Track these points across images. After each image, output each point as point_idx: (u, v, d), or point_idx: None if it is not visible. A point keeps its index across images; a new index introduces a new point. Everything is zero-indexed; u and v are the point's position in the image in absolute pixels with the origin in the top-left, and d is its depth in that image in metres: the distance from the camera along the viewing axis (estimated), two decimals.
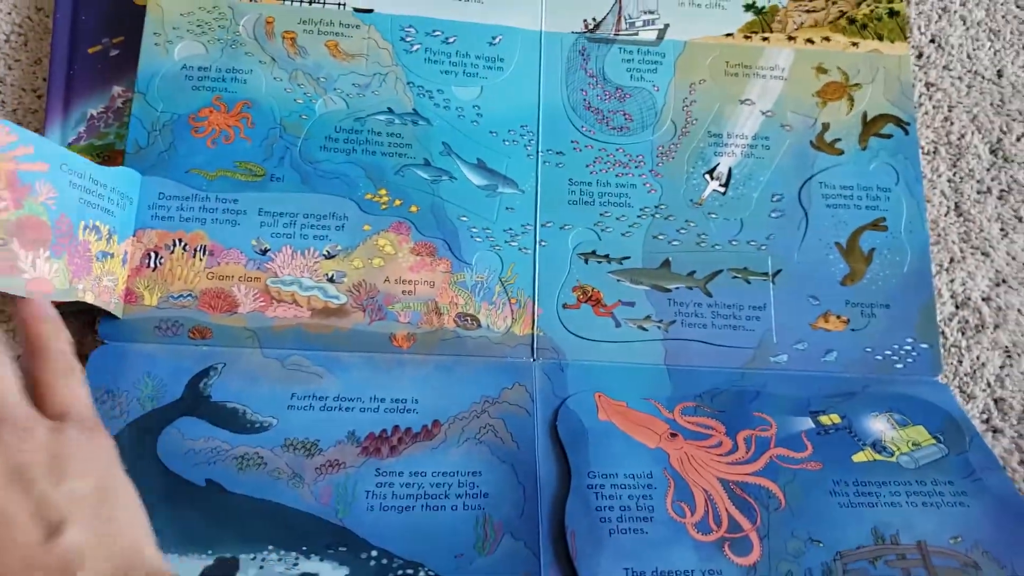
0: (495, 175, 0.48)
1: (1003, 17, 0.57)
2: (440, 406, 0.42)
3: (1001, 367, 0.49)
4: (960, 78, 0.56)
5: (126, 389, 0.40)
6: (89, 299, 0.40)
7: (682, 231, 0.48)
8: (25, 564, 0.26)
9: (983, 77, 0.56)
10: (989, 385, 0.49)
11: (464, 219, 0.47)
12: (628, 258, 0.47)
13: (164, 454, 0.39)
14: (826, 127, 0.51)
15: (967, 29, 0.57)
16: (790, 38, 0.52)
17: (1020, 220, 0.53)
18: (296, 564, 0.36)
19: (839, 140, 0.50)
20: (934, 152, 0.54)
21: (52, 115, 0.46)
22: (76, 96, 0.46)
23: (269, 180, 0.46)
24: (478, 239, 0.46)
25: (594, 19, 0.52)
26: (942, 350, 0.49)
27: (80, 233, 0.39)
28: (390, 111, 0.48)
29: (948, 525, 0.41)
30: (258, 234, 0.44)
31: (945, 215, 0.52)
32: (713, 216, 0.48)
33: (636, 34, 0.51)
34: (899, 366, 0.47)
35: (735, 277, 0.47)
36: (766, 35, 0.52)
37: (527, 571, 0.37)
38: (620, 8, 0.52)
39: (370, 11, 0.49)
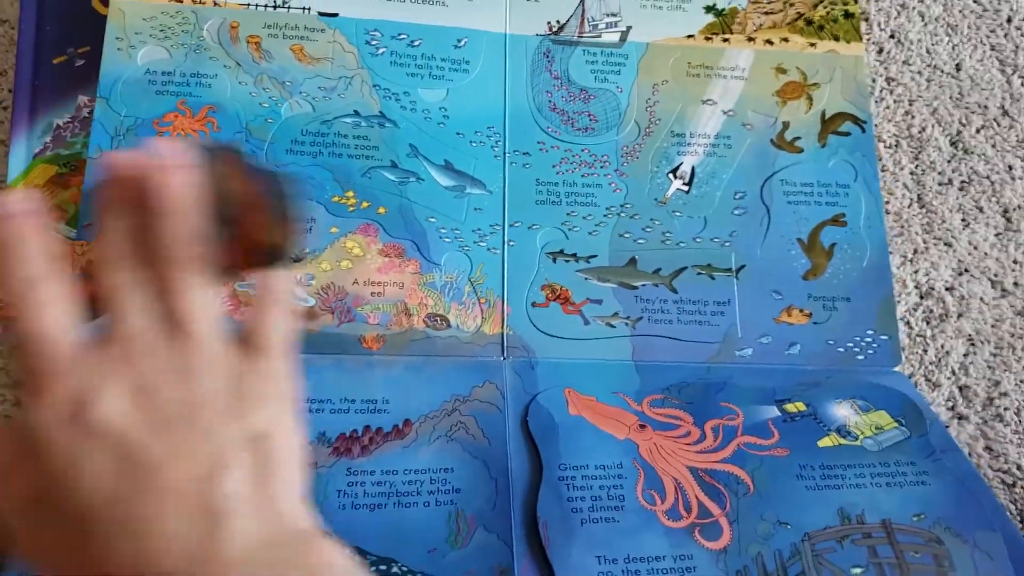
0: (463, 176, 0.49)
1: (960, 12, 0.61)
2: (411, 405, 0.44)
3: (965, 355, 0.52)
4: (920, 72, 0.59)
5: None
6: None
7: (647, 229, 0.50)
8: (182, 509, 0.23)
9: (942, 71, 0.59)
10: (954, 373, 0.51)
11: (432, 220, 0.48)
12: (595, 256, 0.49)
13: None
14: (786, 126, 0.53)
15: (925, 24, 0.60)
16: (750, 39, 0.55)
17: (981, 210, 0.56)
18: None
19: (799, 138, 0.53)
20: (896, 145, 0.56)
21: (18, 126, 0.47)
22: (42, 107, 0.47)
23: None
24: (447, 240, 0.48)
25: (558, 21, 0.54)
26: (907, 339, 0.51)
27: None
28: (356, 114, 0.49)
29: (911, 503, 0.43)
30: None
31: (908, 207, 0.55)
32: (677, 214, 0.51)
33: (599, 36, 0.54)
34: (860, 358, 0.49)
35: (700, 274, 0.50)
36: (726, 36, 0.55)
37: (500, 562, 0.39)
38: (583, 10, 0.54)
39: (335, 15, 0.51)
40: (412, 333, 0.46)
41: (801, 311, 0.50)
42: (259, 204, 0.26)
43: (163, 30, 0.49)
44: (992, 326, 0.53)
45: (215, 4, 0.50)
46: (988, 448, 0.50)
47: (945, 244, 0.54)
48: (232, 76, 0.49)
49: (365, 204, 0.48)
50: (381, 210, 0.48)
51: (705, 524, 0.41)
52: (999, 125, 0.58)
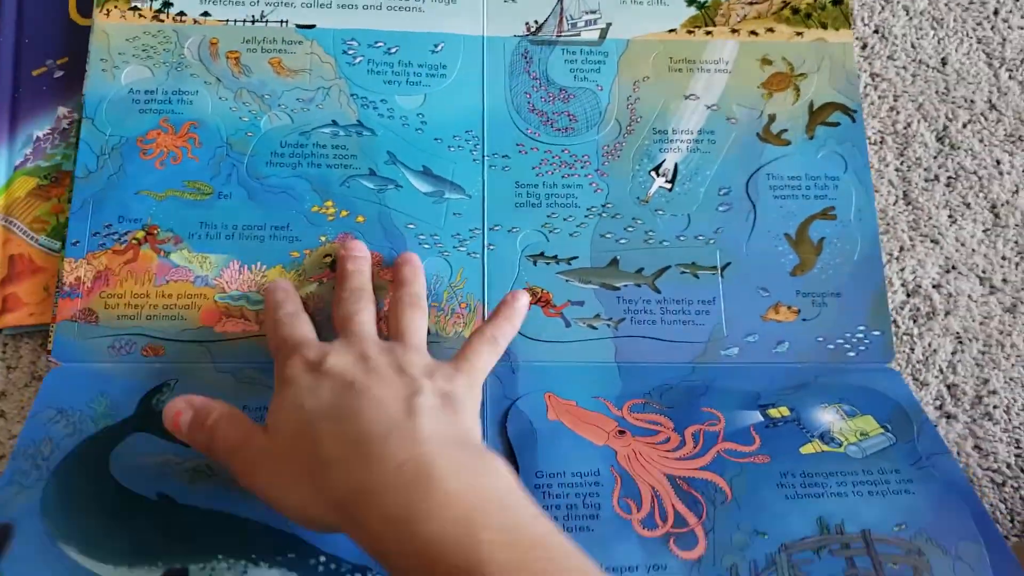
0: (441, 181, 0.51)
1: (945, 5, 0.60)
2: None
3: (953, 353, 0.52)
4: (905, 67, 0.58)
5: (80, 408, 0.44)
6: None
7: (629, 229, 0.51)
8: (385, 407, 0.35)
9: (927, 66, 0.58)
10: (941, 372, 0.51)
11: (411, 227, 0.50)
12: (576, 258, 0.50)
13: (117, 470, 0.42)
14: (772, 118, 0.53)
15: (910, 19, 0.60)
16: (733, 31, 0.55)
17: (968, 207, 0.55)
18: (245, 572, 0.39)
19: (786, 131, 0.53)
20: (881, 142, 0.56)
21: None
22: (21, 119, 0.49)
23: (217, 198, 0.49)
24: (426, 246, 0.49)
25: (536, 21, 0.55)
26: (895, 338, 0.51)
27: None
28: (335, 123, 0.51)
29: (893, 513, 0.43)
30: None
31: (894, 204, 0.55)
32: (660, 213, 0.51)
33: (578, 34, 0.54)
34: (851, 354, 0.49)
35: (683, 272, 0.50)
36: (709, 29, 0.55)
37: None
38: (562, 9, 0.55)
39: (312, 27, 0.53)
40: None
41: (789, 308, 0.50)
42: None
43: (145, 49, 0.51)
44: (980, 323, 0.52)
45: (195, 22, 0.52)
46: (977, 447, 0.49)
47: (932, 241, 0.54)
48: (213, 92, 0.51)
49: (344, 213, 0.49)
50: (360, 219, 0.49)
51: (680, 534, 0.42)
52: (986, 119, 0.57)
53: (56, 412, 0.44)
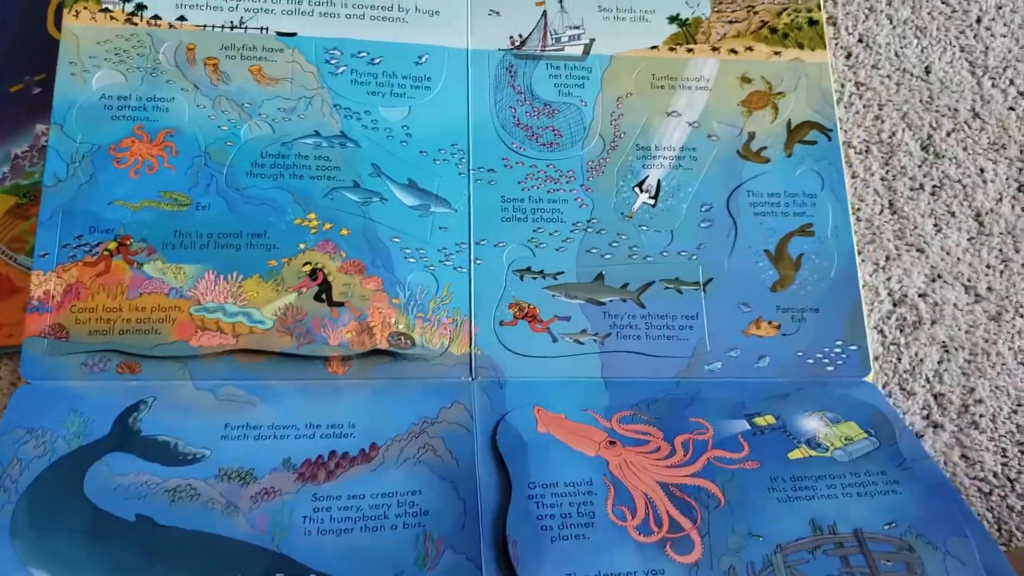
0: (427, 195, 0.51)
1: (928, 14, 0.63)
2: (377, 429, 0.45)
3: (939, 362, 0.54)
4: (889, 76, 0.61)
5: (51, 428, 0.43)
6: None
7: (614, 244, 0.52)
8: None
9: (911, 74, 0.61)
10: (928, 381, 0.54)
11: (396, 240, 0.50)
12: (562, 273, 0.51)
13: (92, 491, 0.41)
14: (752, 136, 0.56)
15: (894, 27, 0.63)
16: (714, 49, 0.57)
17: (953, 215, 0.58)
18: None
19: (765, 148, 0.55)
20: (866, 151, 0.59)
21: None
22: (2, 137, 0.49)
23: (195, 209, 0.48)
24: (411, 260, 0.50)
25: (520, 35, 0.56)
26: (881, 348, 0.54)
27: None
28: (317, 134, 0.51)
29: (882, 512, 0.45)
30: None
31: (879, 213, 0.58)
32: (644, 228, 0.53)
33: (562, 49, 0.56)
34: (829, 368, 0.51)
35: (667, 288, 0.52)
36: (690, 47, 0.57)
37: None
38: (546, 24, 0.56)
39: (293, 35, 0.53)
40: (378, 357, 0.48)
41: (770, 323, 0.52)
42: None
43: (118, 54, 0.51)
44: (966, 332, 0.55)
45: (170, 26, 0.52)
46: (964, 456, 0.52)
47: (917, 250, 0.57)
48: (190, 99, 0.50)
49: (327, 226, 0.50)
50: (344, 231, 0.50)
51: (676, 539, 0.43)
52: (970, 128, 0.60)
53: (25, 432, 0.43)
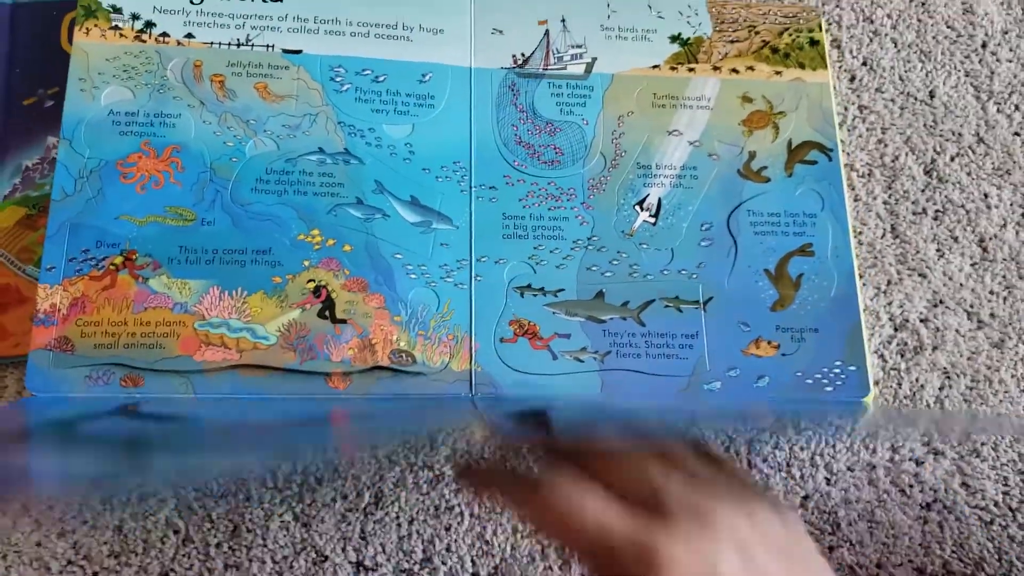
0: (429, 211, 0.52)
1: (933, 38, 0.64)
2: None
3: (940, 388, 0.55)
4: (893, 100, 0.62)
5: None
6: None
7: (614, 262, 0.53)
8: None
9: (915, 98, 0.62)
10: (929, 407, 0.54)
11: (399, 257, 0.51)
12: (563, 290, 0.52)
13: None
14: (752, 155, 0.56)
15: (898, 51, 0.63)
16: (715, 68, 0.58)
17: (956, 240, 0.59)
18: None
19: (765, 168, 0.56)
20: (868, 175, 0.60)
21: None
22: (11, 148, 0.50)
23: (200, 224, 0.50)
24: (413, 276, 0.51)
25: (523, 54, 0.57)
26: (881, 373, 0.54)
27: None
28: (321, 151, 0.52)
29: None
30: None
31: (881, 237, 0.58)
32: (644, 246, 0.54)
33: (564, 68, 0.57)
34: (828, 388, 0.52)
35: (667, 306, 0.53)
36: (692, 66, 0.58)
37: None
38: (548, 43, 0.57)
39: (299, 52, 0.54)
40: (379, 373, 0.49)
41: (769, 343, 0.53)
42: None
43: (126, 70, 0.52)
44: (968, 359, 0.56)
45: (178, 44, 0.53)
46: (965, 484, 0.52)
47: (919, 275, 0.57)
48: (196, 115, 0.52)
49: (331, 242, 0.51)
50: (346, 247, 0.51)
51: None
52: (974, 152, 0.61)
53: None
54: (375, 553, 0.48)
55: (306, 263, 0.50)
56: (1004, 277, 0.58)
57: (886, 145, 0.60)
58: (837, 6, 0.64)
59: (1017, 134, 0.62)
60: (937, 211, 0.59)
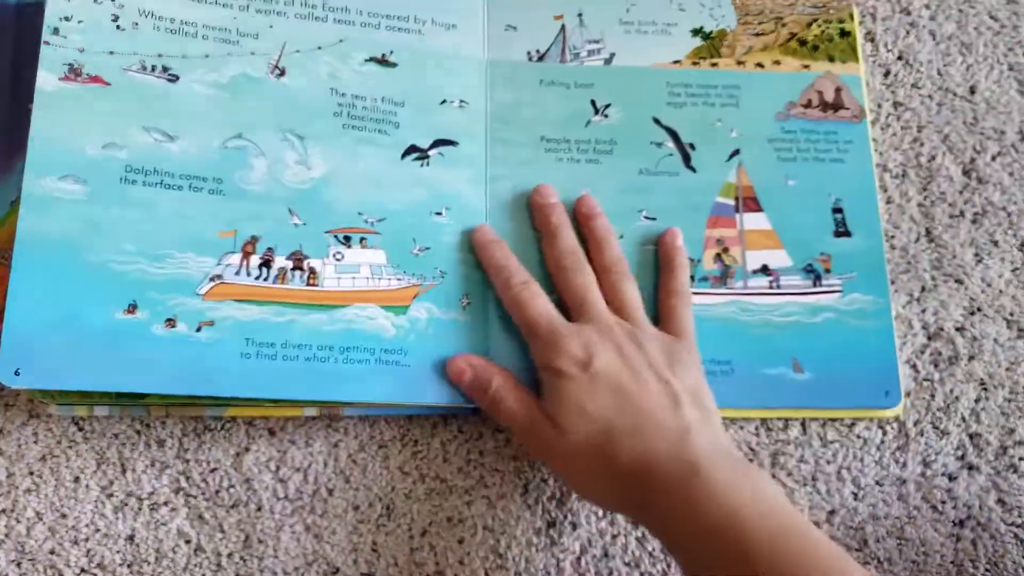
0: None
1: (975, 29, 0.61)
2: None
3: (976, 400, 0.53)
4: (930, 96, 0.59)
5: None
6: None
7: None
8: (661, 422, 0.42)
9: (954, 94, 0.59)
10: (964, 420, 0.52)
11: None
12: None
13: None
14: None
15: (937, 44, 0.60)
16: (739, 63, 0.56)
17: (996, 245, 0.56)
18: None
19: None
20: (903, 175, 0.57)
21: None
22: (20, 152, 0.49)
23: None
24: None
25: (538, 51, 0.55)
26: (914, 384, 0.52)
27: None
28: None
29: None
30: None
31: (915, 241, 0.56)
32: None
33: (581, 64, 0.55)
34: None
35: None
36: (715, 60, 0.56)
37: None
38: (564, 38, 0.56)
39: None
40: None
41: None
42: None
43: None
44: (1007, 369, 0.53)
45: None
46: (1000, 501, 0.50)
47: (956, 281, 0.55)
48: None
49: None
50: None
51: None
52: (1017, 151, 0.58)
53: None
54: (387, 566, 0.48)
55: None
56: None
57: (922, 144, 0.58)
58: None
59: None
60: (976, 214, 0.56)
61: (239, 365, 0.45)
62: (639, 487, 0.41)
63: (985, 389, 0.53)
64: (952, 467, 0.51)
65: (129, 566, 0.47)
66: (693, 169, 0.54)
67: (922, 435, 0.51)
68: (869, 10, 0.60)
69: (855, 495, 0.50)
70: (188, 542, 0.48)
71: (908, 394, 0.52)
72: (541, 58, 0.55)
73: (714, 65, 0.56)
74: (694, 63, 0.56)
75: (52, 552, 0.47)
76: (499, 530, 0.49)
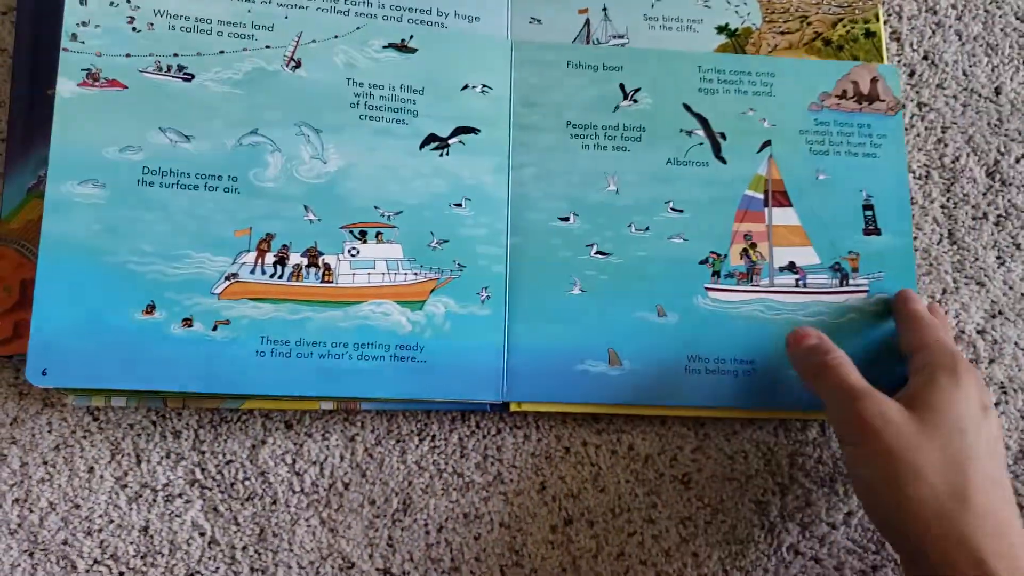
0: None
1: (1001, 30, 0.60)
2: None
3: (996, 404, 0.53)
4: (955, 97, 0.59)
5: None
6: None
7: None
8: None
9: (979, 95, 0.59)
10: None
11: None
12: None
13: None
14: None
15: (963, 44, 0.60)
16: None
17: (1018, 247, 0.56)
18: None
19: None
20: (926, 176, 0.57)
21: (12, 159, 0.49)
22: (35, 140, 0.49)
23: None
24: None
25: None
26: None
27: None
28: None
29: None
30: None
31: (938, 243, 0.56)
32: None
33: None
34: None
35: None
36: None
37: None
38: (588, 32, 0.55)
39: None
40: None
41: None
42: None
43: None
44: None
45: None
46: (1020, 506, 0.50)
47: (977, 283, 0.55)
48: None
49: None
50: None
51: None
52: None
53: None
54: (402, 561, 0.48)
55: None
56: None
57: (946, 145, 0.58)
58: None
59: None
60: (999, 216, 0.56)
61: (254, 363, 0.46)
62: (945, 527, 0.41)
63: (1005, 392, 0.53)
64: None
65: (143, 558, 0.47)
66: (723, 160, 0.53)
67: None
68: (895, 9, 0.60)
69: None
70: (203, 534, 0.47)
71: None
72: None
73: None
74: None
75: (65, 543, 0.47)
76: (516, 527, 0.49)
